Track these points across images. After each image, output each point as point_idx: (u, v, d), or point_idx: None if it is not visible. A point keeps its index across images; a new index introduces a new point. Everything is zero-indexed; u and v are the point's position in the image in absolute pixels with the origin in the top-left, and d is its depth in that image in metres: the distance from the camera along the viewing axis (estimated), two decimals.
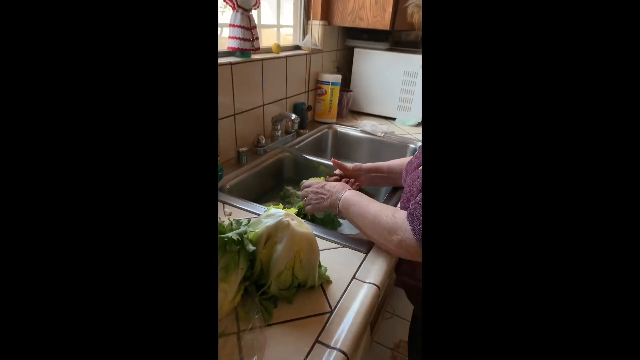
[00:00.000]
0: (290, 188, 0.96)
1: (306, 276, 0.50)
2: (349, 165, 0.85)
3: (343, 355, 0.43)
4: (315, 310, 0.49)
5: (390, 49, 1.46)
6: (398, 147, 1.27)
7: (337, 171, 0.86)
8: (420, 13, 0.62)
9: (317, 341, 0.45)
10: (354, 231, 0.68)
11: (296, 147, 1.15)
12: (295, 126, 1.21)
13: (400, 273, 0.72)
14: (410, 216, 0.54)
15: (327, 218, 0.76)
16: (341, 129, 1.36)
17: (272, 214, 0.51)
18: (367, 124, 1.33)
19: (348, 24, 1.32)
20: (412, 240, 0.53)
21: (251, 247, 0.47)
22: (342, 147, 1.36)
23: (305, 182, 0.76)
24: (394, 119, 1.48)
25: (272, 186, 1.05)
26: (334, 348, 0.44)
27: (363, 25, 1.30)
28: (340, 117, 1.47)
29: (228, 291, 0.45)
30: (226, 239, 0.44)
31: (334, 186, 0.69)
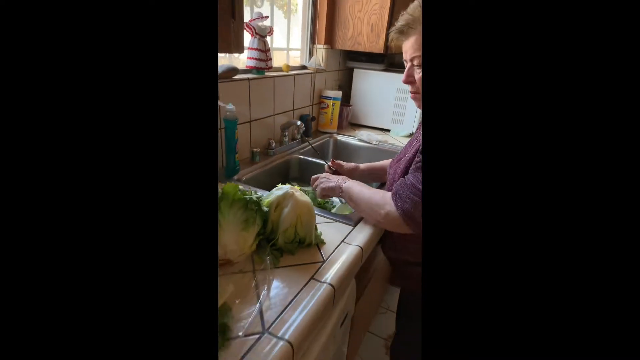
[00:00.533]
0: (295, 184, 1.13)
1: (305, 234, 0.66)
2: (347, 165, 1.00)
3: (331, 287, 0.59)
4: (312, 260, 0.65)
5: (385, 70, 1.66)
6: (390, 154, 1.43)
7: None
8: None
9: (311, 278, 0.61)
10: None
11: (301, 152, 1.33)
12: (301, 133, 1.40)
13: (385, 248, 0.87)
14: (394, 195, 0.69)
15: (325, 204, 0.93)
16: (341, 137, 1.54)
17: (280, 188, 0.68)
18: (364, 134, 1.51)
19: (348, 48, 1.52)
20: (395, 213, 0.68)
21: (265, 209, 0.64)
22: (342, 153, 1.54)
23: (314, 176, 0.93)
24: (388, 130, 1.66)
25: (279, 182, 1.22)
26: (324, 282, 0.60)
27: (361, 49, 1.50)
28: (341, 127, 1.65)
29: (247, 239, 0.61)
30: (248, 199, 0.61)
31: (338, 177, 0.86)
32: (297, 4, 1.45)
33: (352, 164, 1.01)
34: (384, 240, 0.85)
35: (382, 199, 0.72)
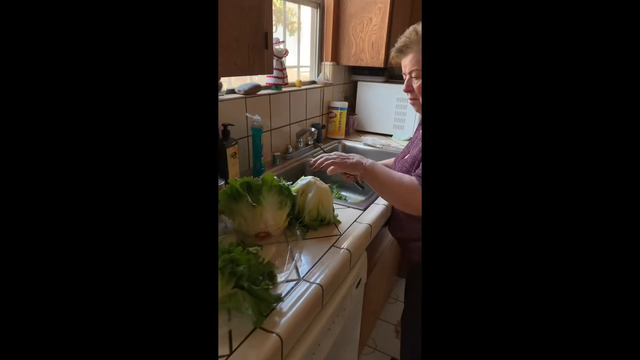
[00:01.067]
0: None
1: (325, 214, 0.84)
2: None
3: (348, 251, 0.76)
4: (331, 234, 0.82)
5: (386, 82, 1.85)
6: (394, 155, 1.61)
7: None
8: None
9: (332, 246, 0.78)
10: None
11: (314, 155, 1.51)
12: (313, 139, 1.58)
13: (392, 229, 1.03)
14: (415, 175, 0.81)
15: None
16: (348, 143, 1.73)
17: (304, 178, 0.86)
18: (369, 139, 1.69)
19: (352, 63, 1.72)
20: (417, 187, 0.78)
21: (294, 193, 0.81)
22: None
23: (321, 155, 0.93)
24: (390, 135, 1.84)
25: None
26: (342, 248, 0.77)
27: (363, 64, 1.69)
28: (348, 134, 1.83)
29: (282, 216, 0.78)
30: (282, 185, 0.78)
31: (354, 155, 0.91)
32: (301, 23, 1.66)
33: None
34: (390, 222, 1.02)
35: (410, 181, 0.80)
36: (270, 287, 0.59)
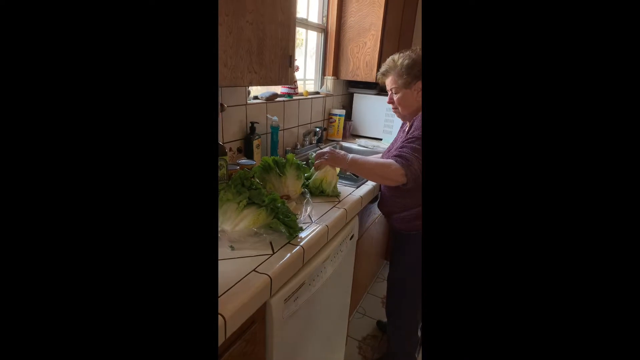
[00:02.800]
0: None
1: (325, 187, 1.16)
2: None
3: (344, 210, 1.08)
4: (333, 200, 1.14)
5: (377, 94, 2.20)
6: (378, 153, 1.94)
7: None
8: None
9: (333, 207, 1.09)
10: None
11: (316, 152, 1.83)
12: (317, 140, 1.91)
13: (379, 205, 1.32)
14: (394, 157, 1.04)
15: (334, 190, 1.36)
16: (345, 144, 2.06)
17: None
18: (362, 141, 2.03)
19: (349, 78, 2.07)
20: (397, 165, 1.01)
21: (305, 170, 1.14)
22: None
23: (320, 151, 1.19)
24: (380, 139, 2.18)
25: None
26: (340, 208, 1.08)
27: (359, 79, 2.05)
28: (345, 137, 2.17)
29: (298, 185, 1.10)
30: (299, 163, 1.10)
31: (340, 151, 1.17)
32: (304, 40, 2.01)
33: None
34: (378, 200, 1.34)
35: (386, 160, 1.06)
36: (295, 223, 0.90)
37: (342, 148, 2.06)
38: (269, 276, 0.71)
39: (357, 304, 1.79)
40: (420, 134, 1.04)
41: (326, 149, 1.17)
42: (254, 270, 0.73)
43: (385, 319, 1.69)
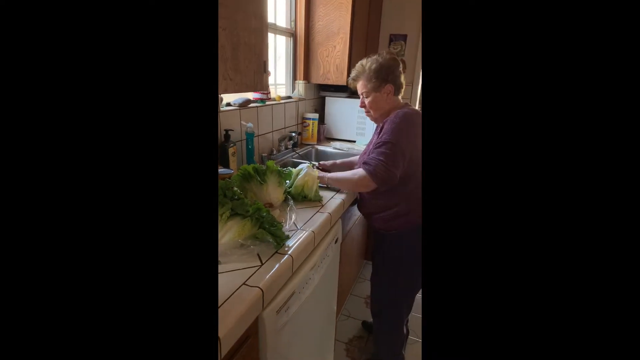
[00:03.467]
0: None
1: (307, 192, 1.15)
2: (328, 162, 1.47)
3: (329, 214, 1.07)
4: (316, 205, 1.14)
5: (349, 97, 2.22)
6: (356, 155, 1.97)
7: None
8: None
9: (317, 212, 1.09)
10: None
11: (293, 157, 1.82)
12: (291, 144, 1.90)
13: (359, 207, 1.31)
14: (362, 165, 1.10)
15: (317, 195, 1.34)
16: (320, 147, 2.06)
17: (302, 166, 1.18)
18: (337, 144, 2.05)
19: (320, 82, 2.08)
20: (364, 173, 1.07)
21: (287, 176, 1.12)
22: (322, 158, 2.05)
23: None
24: (354, 141, 2.21)
25: None
26: (325, 212, 1.08)
27: (330, 82, 2.06)
28: (319, 140, 2.18)
29: (280, 192, 1.08)
30: (279, 169, 1.09)
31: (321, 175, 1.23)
32: (276, 49, 2.00)
33: (331, 161, 1.51)
34: (358, 202, 1.34)
35: (355, 171, 1.15)
36: (280, 229, 0.89)
37: (317, 152, 2.06)
38: (261, 289, 0.69)
39: (341, 306, 1.80)
40: (388, 138, 1.07)
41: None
42: (244, 283, 0.70)
43: (369, 319, 1.71)
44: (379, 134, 1.14)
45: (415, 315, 1.75)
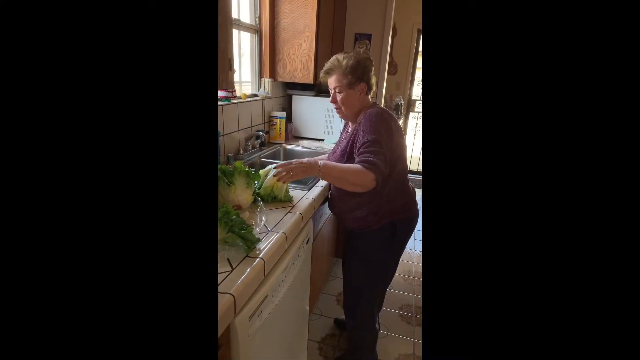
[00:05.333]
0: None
1: (277, 193, 1.13)
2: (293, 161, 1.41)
3: (300, 214, 1.06)
4: (286, 206, 1.12)
5: (316, 95, 2.22)
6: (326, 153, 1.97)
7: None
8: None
9: (288, 212, 1.07)
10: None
11: (261, 156, 1.78)
12: (259, 143, 1.86)
13: (330, 206, 1.29)
14: (363, 164, 1.02)
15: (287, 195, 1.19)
16: (289, 146, 2.04)
17: (271, 166, 1.15)
18: (305, 143, 2.03)
19: (287, 80, 2.05)
20: (368, 172, 1.00)
21: (255, 177, 1.10)
22: (291, 157, 2.03)
23: (274, 166, 1.13)
24: (322, 139, 2.21)
25: None
26: (295, 213, 1.07)
27: (297, 80, 2.04)
28: (287, 139, 2.15)
29: (249, 194, 1.05)
30: (248, 170, 1.06)
31: (309, 160, 1.11)
32: (240, 46, 1.95)
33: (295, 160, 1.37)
34: (329, 201, 1.34)
35: (357, 167, 1.03)
36: (250, 233, 0.86)
37: (285, 151, 2.04)
38: (232, 295, 0.67)
39: (314, 305, 1.79)
40: (374, 137, 1.05)
41: (292, 161, 1.09)
42: None
43: (341, 317, 1.72)
44: (354, 134, 1.13)
45: (386, 310, 1.80)
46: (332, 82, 1.17)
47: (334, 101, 1.20)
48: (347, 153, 1.15)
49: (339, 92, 1.17)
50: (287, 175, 1.05)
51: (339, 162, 1.15)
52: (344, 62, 1.13)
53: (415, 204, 1.25)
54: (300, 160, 1.10)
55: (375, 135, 1.06)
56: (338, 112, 1.23)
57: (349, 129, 1.26)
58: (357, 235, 1.24)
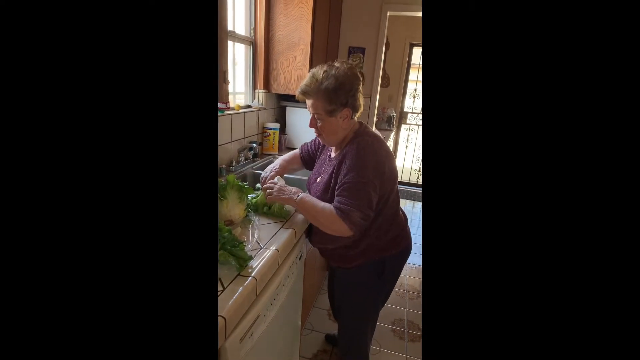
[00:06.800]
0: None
1: (272, 204, 1.11)
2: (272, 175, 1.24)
3: (293, 230, 1.04)
4: (280, 221, 1.10)
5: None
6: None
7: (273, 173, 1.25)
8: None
9: (281, 227, 1.05)
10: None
11: (253, 168, 1.77)
12: (252, 155, 1.84)
13: (312, 241, 1.18)
14: (336, 209, 0.94)
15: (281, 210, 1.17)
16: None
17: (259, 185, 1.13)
18: None
19: (281, 91, 2.05)
20: (341, 222, 0.92)
21: (248, 191, 1.08)
22: None
23: (269, 182, 1.12)
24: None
25: None
26: (289, 228, 1.05)
27: (290, 92, 2.04)
28: (280, 150, 2.14)
29: (241, 208, 1.03)
30: (241, 184, 1.04)
31: (291, 189, 1.05)
32: (235, 57, 1.94)
33: (272, 173, 1.24)
34: (310, 235, 1.18)
35: (331, 212, 0.95)
36: (241, 251, 0.84)
37: None
38: (223, 317, 0.64)
39: (305, 320, 1.76)
40: (356, 178, 0.93)
41: (276, 184, 1.07)
42: None
43: (332, 332, 1.69)
44: (337, 167, 1.01)
45: (378, 325, 1.77)
46: (310, 105, 1.00)
47: (313, 126, 1.03)
48: (330, 188, 1.02)
49: (318, 119, 1.01)
50: (270, 195, 1.05)
51: (321, 197, 1.04)
52: (324, 85, 0.94)
53: (407, 235, 1.14)
54: (284, 186, 1.07)
55: (358, 177, 0.93)
56: (319, 138, 1.08)
57: (331, 154, 1.12)
58: (340, 271, 1.16)
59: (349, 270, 1.12)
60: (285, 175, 1.31)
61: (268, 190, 1.06)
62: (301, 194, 1.03)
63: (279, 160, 1.33)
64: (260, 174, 1.64)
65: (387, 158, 1.00)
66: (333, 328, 1.76)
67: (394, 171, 1.04)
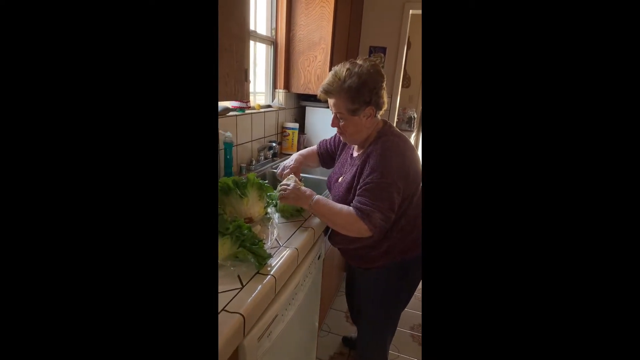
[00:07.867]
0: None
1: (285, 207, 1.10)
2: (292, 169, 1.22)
3: (312, 229, 1.03)
4: (299, 221, 1.09)
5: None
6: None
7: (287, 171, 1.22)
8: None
9: (300, 227, 1.04)
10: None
11: (273, 167, 1.77)
12: (271, 154, 1.85)
13: (332, 241, 1.16)
14: (355, 210, 0.92)
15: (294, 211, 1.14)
16: None
17: (290, 177, 1.12)
18: None
19: (301, 91, 2.05)
20: (360, 222, 0.90)
21: (268, 189, 1.07)
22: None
23: (284, 183, 1.05)
24: None
25: None
26: (308, 227, 1.04)
27: (310, 92, 2.03)
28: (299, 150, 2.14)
29: (261, 206, 1.03)
30: (261, 183, 1.03)
31: (305, 190, 1.01)
32: (256, 56, 1.96)
33: (290, 168, 1.22)
34: (329, 235, 1.17)
35: (349, 212, 0.93)
36: (261, 249, 0.83)
37: None
38: (242, 315, 0.64)
39: (322, 321, 1.74)
40: (380, 179, 0.91)
41: (291, 184, 1.03)
42: (223, 309, 0.64)
43: (349, 334, 1.66)
44: (361, 168, 0.98)
45: (396, 330, 1.73)
46: (332, 105, 0.98)
47: (335, 125, 1.00)
48: (353, 188, 0.99)
49: (341, 118, 0.98)
50: (282, 196, 1.01)
51: (343, 197, 1.01)
52: (347, 83, 0.92)
53: None
54: (298, 187, 1.03)
55: (382, 177, 0.91)
56: (342, 137, 1.05)
57: (353, 153, 1.09)
58: (360, 272, 1.13)
59: (370, 271, 1.10)
60: (303, 175, 1.29)
61: (281, 192, 1.03)
62: (316, 197, 1.00)
63: (296, 155, 1.30)
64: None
65: (412, 159, 0.98)
66: (350, 331, 1.73)
67: (419, 172, 1.00)
